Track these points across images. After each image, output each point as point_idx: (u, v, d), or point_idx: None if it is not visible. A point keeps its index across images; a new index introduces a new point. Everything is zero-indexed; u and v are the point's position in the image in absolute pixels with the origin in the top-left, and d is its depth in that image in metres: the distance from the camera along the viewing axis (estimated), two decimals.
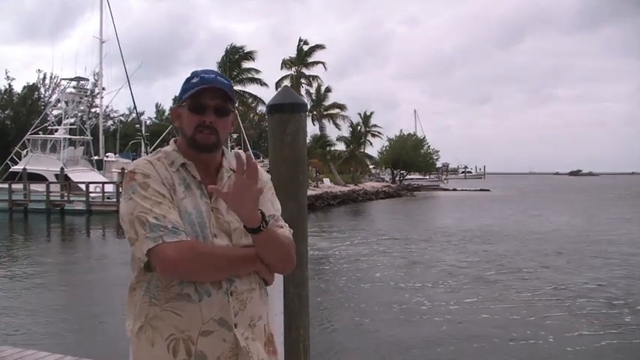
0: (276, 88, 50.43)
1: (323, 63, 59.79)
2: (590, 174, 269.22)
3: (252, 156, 1.84)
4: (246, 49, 52.86)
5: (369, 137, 73.98)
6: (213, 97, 1.94)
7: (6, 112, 62.08)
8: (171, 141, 2.07)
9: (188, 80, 1.98)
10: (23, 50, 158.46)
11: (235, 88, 50.59)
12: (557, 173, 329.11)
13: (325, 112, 63.82)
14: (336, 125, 64.97)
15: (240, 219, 1.86)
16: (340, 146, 69.27)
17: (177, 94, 2.15)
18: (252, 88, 53.98)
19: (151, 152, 2.58)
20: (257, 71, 52.32)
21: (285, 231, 2.05)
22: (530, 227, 29.66)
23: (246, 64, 52.66)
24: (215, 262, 1.85)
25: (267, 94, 56.38)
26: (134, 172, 1.90)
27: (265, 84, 52.93)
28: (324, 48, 59.94)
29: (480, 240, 24.29)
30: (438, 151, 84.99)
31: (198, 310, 1.85)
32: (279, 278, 3.17)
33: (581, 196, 65.25)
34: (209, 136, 1.94)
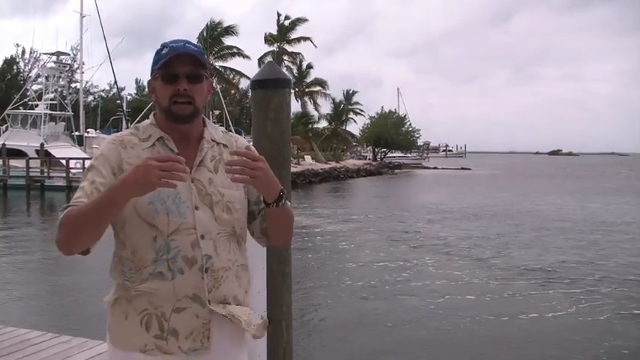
0: (259, 65, 49.58)
1: (310, 39, 57.69)
2: (570, 154, 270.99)
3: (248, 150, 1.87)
4: (228, 24, 51.18)
5: (351, 115, 73.99)
6: (184, 65, 1.93)
7: None
8: (151, 115, 2.08)
9: (158, 52, 1.97)
10: (15, 24, 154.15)
11: (217, 64, 50.00)
12: (537, 153, 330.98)
13: (307, 90, 62.95)
14: (316, 106, 63.91)
15: (267, 196, 1.91)
16: (322, 123, 68.92)
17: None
18: (234, 63, 52.92)
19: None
20: (238, 49, 51.19)
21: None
22: (513, 205, 29.90)
23: (228, 40, 51.40)
24: (77, 215, 1.81)
25: (251, 69, 55.73)
26: (97, 151, 2.00)
27: (247, 56, 51.73)
28: (306, 21, 57.73)
29: (462, 217, 24.50)
30: (419, 130, 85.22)
31: (171, 287, 1.87)
32: (262, 255, 3.17)
33: (560, 174, 65.92)
34: (185, 107, 1.93)
